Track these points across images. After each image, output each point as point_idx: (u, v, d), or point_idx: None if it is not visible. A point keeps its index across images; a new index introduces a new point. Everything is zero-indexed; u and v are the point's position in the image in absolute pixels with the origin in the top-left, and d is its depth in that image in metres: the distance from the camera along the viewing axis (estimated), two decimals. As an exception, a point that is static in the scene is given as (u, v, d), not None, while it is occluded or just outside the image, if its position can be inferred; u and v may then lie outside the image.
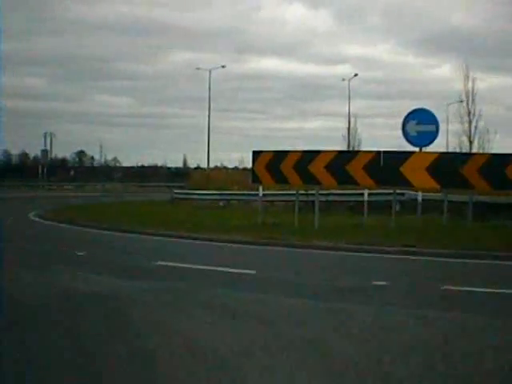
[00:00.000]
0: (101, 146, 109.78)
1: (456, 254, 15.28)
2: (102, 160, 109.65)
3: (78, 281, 10.86)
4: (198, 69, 72.74)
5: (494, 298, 10.13)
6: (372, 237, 17.81)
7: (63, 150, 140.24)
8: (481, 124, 49.59)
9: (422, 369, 5.95)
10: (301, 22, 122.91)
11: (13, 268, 12.25)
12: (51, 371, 5.89)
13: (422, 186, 21.24)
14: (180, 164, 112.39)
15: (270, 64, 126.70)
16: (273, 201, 29.09)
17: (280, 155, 22.27)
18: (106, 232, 21.65)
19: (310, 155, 21.80)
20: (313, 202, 23.40)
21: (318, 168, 21.42)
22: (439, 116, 24.01)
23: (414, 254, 15.69)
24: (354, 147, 56.33)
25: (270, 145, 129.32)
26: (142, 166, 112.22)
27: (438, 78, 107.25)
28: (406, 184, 21.00)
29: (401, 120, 22.75)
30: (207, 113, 67.38)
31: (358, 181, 21.23)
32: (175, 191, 39.97)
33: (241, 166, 51.52)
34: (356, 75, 68.77)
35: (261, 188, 23.36)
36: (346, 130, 59.94)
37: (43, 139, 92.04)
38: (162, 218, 24.95)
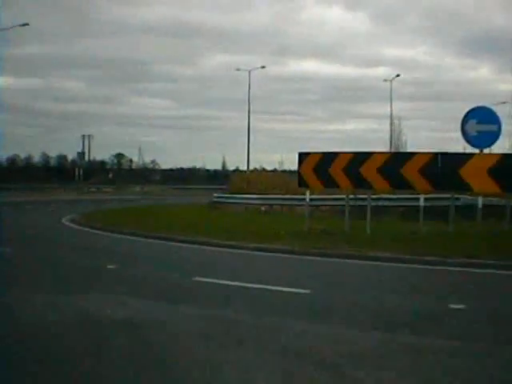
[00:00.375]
0: (139, 149, 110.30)
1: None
2: (141, 162, 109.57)
3: (104, 303, 9.25)
4: (237, 70, 72.10)
5: None
6: (431, 246, 16.17)
7: (102, 153, 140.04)
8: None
9: None
10: (339, 23, 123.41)
11: (28, 284, 10.83)
12: None
13: (482, 190, 19.38)
14: (219, 166, 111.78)
15: (308, 66, 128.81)
16: (317, 205, 27.43)
17: (329, 157, 20.60)
18: (141, 239, 20.16)
19: (362, 157, 20.10)
20: (361, 206, 21.78)
21: (370, 171, 19.71)
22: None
23: (480, 266, 14.06)
24: (398, 149, 54.38)
25: (308, 147, 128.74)
26: (181, 169, 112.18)
27: (477, 79, 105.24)
28: (465, 188, 19.21)
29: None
30: (246, 115, 66.30)
31: (413, 185, 19.51)
32: (215, 195, 38.42)
33: (280, 168, 50.17)
34: (398, 75, 66.87)
35: (308, 192, 21.64)
36: (389, 132, 58.00)
37: (81, 141, 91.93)
38: (200, 224, 23.44)
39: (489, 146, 20.95)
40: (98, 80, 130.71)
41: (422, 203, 20.95)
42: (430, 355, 6.66)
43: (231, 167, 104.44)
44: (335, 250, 16.45)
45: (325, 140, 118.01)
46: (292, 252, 16.63)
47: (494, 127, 20.60)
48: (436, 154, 19.45)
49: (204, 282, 11.50)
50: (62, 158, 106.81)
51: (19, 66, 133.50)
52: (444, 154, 19.40)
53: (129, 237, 21.03)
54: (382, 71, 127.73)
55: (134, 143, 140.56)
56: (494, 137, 20.68)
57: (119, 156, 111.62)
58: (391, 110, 62.81)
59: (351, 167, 20.00)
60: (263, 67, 74.17)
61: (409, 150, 41.63)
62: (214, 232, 20.24)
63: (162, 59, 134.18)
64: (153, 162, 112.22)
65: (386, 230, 20.10)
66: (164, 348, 6.74)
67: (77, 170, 74.63)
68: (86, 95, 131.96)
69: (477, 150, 20.46)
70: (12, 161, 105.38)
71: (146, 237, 20.49)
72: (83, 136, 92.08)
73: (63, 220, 28.71)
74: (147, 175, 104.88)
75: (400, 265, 14.56)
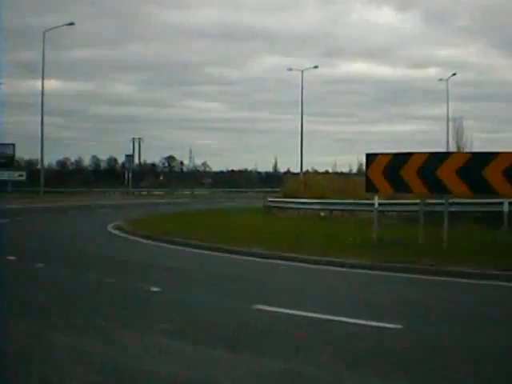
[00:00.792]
0: (190, 151, 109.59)
1: None
2: (192, 165, 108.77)
3: (142, 351, 7.14)
4: (290, 70, 71.13)
5: None
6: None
7: (153, 156, 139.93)
8: None
9: None
10: (390, 24, 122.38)
11: (41, 317, 8.87)
12: None
13: None
14: (269, 168, 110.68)
15: (359, 67, 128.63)
16: (384, 211, 25.24)
17: (400, 158, 18.30)
18: (193, 250, 18.18)
19: (438, 157, 17.80)
20: (432, 212, 19.54)
21: (447, 173, 17.36)
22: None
23: None
24: (460, 150, 51.82)
25: (358, 149, 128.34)
26: (232, 171, 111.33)
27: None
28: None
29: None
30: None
31: (496, 188, 17.15)
32: (269, 199, 36.29)
33: (331, 170, 48.25)
34: (454, 74, 64.51)
35: (376, 197, 19.36)
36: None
37: (131, 144, 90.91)
38: (256, 232, 21.39)
39: None
40: (148, 83, 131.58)
41: (506, 209, 18.58)
42: None
43: (282, 169, 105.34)
44: (413, 265, 14.29)
45: (375, 142, 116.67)
46: (361, 266, 14.53)
47: None
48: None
49: (268, 313, 9.34)
50: (112, 161, 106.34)
51: (70, 70, 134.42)
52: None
53: (179, 247, 19.07)
54: (432, 72, 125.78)
55: (185, 146, 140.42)
56: None
57: (170, 159, 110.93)
58: (448, 110, 60.76)
59: (426, 169, 17.70)
60: (316, 67, 72.99)
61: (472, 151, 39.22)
62: (271, 241, 18.18)
63: (213, 62, 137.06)
64: (203, 164, 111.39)
65: (463, 239, 17.76)
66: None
67: (126, 173, 73.11)
68: (137, 98, 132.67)
69: None
70: (62, 164, 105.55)
71: (197, 247, 18.53)
72: (133, 139, 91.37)
73: (109, 227, 26.88)
74: (198, 178, 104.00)
75: (491, 282, 12.57)
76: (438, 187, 17.71)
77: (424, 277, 13.34)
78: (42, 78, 57.53)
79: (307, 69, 70.08)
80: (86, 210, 41.67)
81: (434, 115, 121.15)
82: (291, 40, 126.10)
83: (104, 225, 27.74)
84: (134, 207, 46.89)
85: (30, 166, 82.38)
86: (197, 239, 19.58)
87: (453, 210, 22.52)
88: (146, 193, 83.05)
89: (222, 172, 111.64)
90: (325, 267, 14.80)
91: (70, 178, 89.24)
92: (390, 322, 8.56)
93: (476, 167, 17.14)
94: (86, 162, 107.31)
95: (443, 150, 50.46)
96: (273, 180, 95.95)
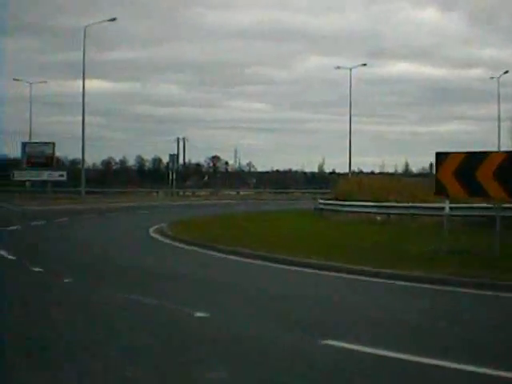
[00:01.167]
0: (235, 151, 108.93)
1: None
2: (237, 165, 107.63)
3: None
4: (337, 68, 69.83)
5: None
6: None
7: (197, 156, 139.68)
8: None
9: None
10: (434, 25, 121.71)
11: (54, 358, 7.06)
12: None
13: None
14: (314, 168, 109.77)
15: (403, 68, 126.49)
16: (454, 215, 23.22)
17: (475, 158, 16.27)
18: (242, 260, 16.36)
19: (518, 157, 15.77)
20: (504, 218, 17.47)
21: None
22: None
23: None
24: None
25: (403, 149, 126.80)
26: (277, 171, 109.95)
27: None
28: None
29: None
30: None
31: None
32: (320, 201, 34.29)
33: (376, 171, 46.48)
34: (506, 72, 61.88)
35: (447, 201, 17.27)
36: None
37: (176, 144, 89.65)
38: (310, 238, 19.54)
39: None
40: (193, 83, 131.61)
41: None
42: None
43: (327, 170, 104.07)
44: (493, 281, 12.33)
45: (417, 143, 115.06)
46: (430, 281, 12.62)
47: None
48: None
49: (338, 350, 7.43)
50: (156, 160, 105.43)
51: (114, 71, 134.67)
52: None
53: (225, 255, 17.27)
54: (477, 72, 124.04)
55: (229, 146, 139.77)
56: None
57: (215, 159, 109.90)
58: (499, 109, 58.42)
59: (503, 171, 15.67)
60: (364, 65, 70.87)
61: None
62: (329, 250, 16.28)
63: (257, 62, 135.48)
64: (248, 164, 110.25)
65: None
66: None
67: (170, 173, 71.64)
68: (182, 99, 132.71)
69: None
70: (107, 164, 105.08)
71: (247, 256, 16.70)
72: (177, 139, 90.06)
73: (150, 231, 25.17)
74: (243, 178, 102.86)
75: None
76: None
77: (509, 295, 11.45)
78: (83, 74, 56.09)
79: (355, 67, 68.15)
80: (127, 212, 40.02)
81: (478, 116, 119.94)
82: (335, 40, 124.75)
83: (145, 228, 26.06)
84: (178, 208, 45.29)
85: (74, 166, 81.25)
86: (246, 247, 17.70)
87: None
88: (190, 193, 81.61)
89: (266, 172, 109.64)
90: (391, 281, 12.90)
91: (113, 178, 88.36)
92: (489, 367, 6.62)
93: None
94: (131, 162, 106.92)
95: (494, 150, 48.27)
96: (318, 180, 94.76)
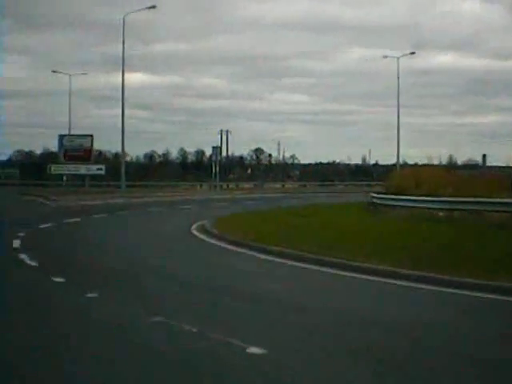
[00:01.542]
0: (279, 143, 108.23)
1: None
2: (281, 157, 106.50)
3: None
4: (385, 57, 67.86)
5: None
6: None
7: (240, 148, 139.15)
8: None
9: None
10: (476, 16, 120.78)
11: None
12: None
13: None
14: (357, 161, 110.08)
15: (445, 59, 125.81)
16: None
17: None
18: (299, 266, 14.23)
19: None
20: None
21: None
22: None
23: None
24: None
25: (445, 141, 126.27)
26: (320, 163, 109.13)
27: None
28: None
29: None
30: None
31: None
32: (373, 194, 31.95)
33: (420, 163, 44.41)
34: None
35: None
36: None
37: (219, 137, 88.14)
38: (373, 238, 17.33)
39: None
40: (236, 76, 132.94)
41: None
42: None
43: (370, 161, 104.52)
44: None
45: (460, 134, 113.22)
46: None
47: None
48: None
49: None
50: (199, 153, 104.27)
51: (156, 64, 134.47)
52: None
53: (280, 260, 15.10)
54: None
55: (272, 138, 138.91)
56: None
57: (258, 151, 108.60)
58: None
59: None
60: (413, 53, 68.70)
61: None
62: (392, 253, 14.08)
63: (300, 54, 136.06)
64: (292, 156, 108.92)
65: None
66: None
67: (214, 165, 69.78)
68: (225, 91, 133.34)
69: None
70: (150, 157, 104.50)
71: (304, 260, 14.59)
72: (221, 131, 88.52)
73: (193, 228, 23.17)
74: (286, 170, 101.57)
75: None
76: None
77: None
78: (123, 62, 54.32)
79: (403, 55, 65.65)
80: (168, 207, 37.93)
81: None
82: (377, 32, 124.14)
83: (187, 225, 24.06)
84: (222, 202, 43.29)
85: (117, 160, 79.81)
86: (302, 249, 15.54)
87: None
88: (233, 186, 79.87)
89: (309, 164, 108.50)
90: (478, 294, 10.73)
91: (156, 171, 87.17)
92: None
93: None
94: (174, 154, 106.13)
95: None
96: (361, 173, 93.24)
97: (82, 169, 61.70)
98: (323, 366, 6.74)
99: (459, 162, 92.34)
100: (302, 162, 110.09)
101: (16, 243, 17.54)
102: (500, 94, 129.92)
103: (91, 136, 63.55)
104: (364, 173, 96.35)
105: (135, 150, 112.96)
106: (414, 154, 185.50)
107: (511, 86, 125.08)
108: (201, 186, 76.37)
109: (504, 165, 57.12)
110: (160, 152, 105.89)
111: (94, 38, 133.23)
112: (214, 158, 72.27)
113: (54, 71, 68.63)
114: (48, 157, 77.10)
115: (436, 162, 76.23)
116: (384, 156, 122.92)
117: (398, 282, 11.90)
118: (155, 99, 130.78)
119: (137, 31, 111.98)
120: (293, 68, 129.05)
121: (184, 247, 18.65)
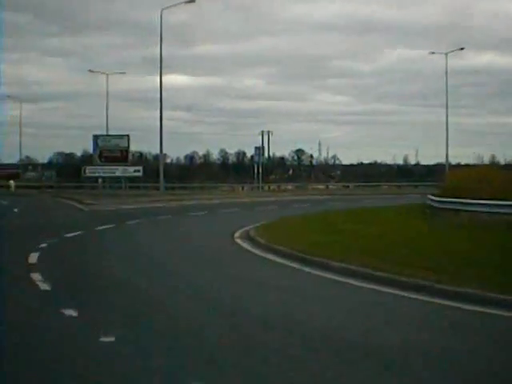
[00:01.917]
0: (319, 144, 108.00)
1: None
2: (323, 157, 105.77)
3: None
4: (432, 53, 65.95)
5: None
6: None
7: (280, 149, 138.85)
8: None
9: None
10: None
11: None
12: None
13: None
14: (398, 161, 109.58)
15: (487, 59, 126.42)
16: None
17: None
18: (365, 287, 11.77)
19: None
20: None
21: None
22: None
23: None
24: None
25: (487, 141, 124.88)
26: (361, 164, 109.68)
27: None
28: None
29: None
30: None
31: None
32: (430, 197, 29.18)
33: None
34: None
35: None
36: None
37: (260, 138, 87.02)
38: (437, 250, 14.83)
39: None
40: (277, 77, 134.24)
41: None
42: None
43: (412, 162, 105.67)
44: None
45: (501, 134, 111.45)
46: None
47: None
48: None
49: None
50: (240, 154, 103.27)
51: (197, 65, 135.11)
52: None
53: (340, 278, 12.66)
54: None
55: (313, 139, 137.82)
56: None
57: (299, 152, 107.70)
58: None
59: None
60: (462, 49, 66.49)
61: None
62: (492, 275, 11.46)
63: (341, 55, 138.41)
64: (333, 157, 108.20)
65: None
66: None
67: (256, 166, 67.56)
68: (265, 92, 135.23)
69: None
70: (190, 158, 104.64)
71: (371, 279, 12.16)
72: (262, 132, 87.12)
73: (236, 236, 20.72)
74: (328, 171, 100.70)
75: None
76: None
77: None
78: (160, 62, 52.43)
79: (451, 51, 63.26)
80: (208, 211, 35.35)
81: None
82: (419, 32, 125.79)
83: (229, 232, 21.64)
84: (265, 205, 40.83)
85: (157, 161, 78.20)
86: (366, 265, 13.00)
87: None
88: (275, 187, 77.84)
89: (351, 165, 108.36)
90: None
91: (196, 172, 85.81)
92: None
93: None
94: (215, 156, 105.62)
95: None
96: (403, 173, 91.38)
97: (119, 171, 59.62)
98: None
99: (502, 162, 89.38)
100: (344, 162, 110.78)
101: (33, 257, 15.07)
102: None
103: (127, 136, 61.16)
104: (406, 173, 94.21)
105: (175, 152, 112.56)
106: (455, 154, 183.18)
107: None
108: (242, 188, 74.29)
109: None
110: (201, 153, 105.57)
111: (134, 40, 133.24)
112: (256, 158, 70.36)
113: (90, 70, 67.19)
114: (88, 159, 75.74)
115: (479, 162, 74.12)
116: (425, 157, 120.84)
117: (495, 313, 9.37)
118: (196, 100, 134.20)
119: (177, 33, 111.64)
120: (333, 69, 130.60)
121: (224, 260, 16.19)
